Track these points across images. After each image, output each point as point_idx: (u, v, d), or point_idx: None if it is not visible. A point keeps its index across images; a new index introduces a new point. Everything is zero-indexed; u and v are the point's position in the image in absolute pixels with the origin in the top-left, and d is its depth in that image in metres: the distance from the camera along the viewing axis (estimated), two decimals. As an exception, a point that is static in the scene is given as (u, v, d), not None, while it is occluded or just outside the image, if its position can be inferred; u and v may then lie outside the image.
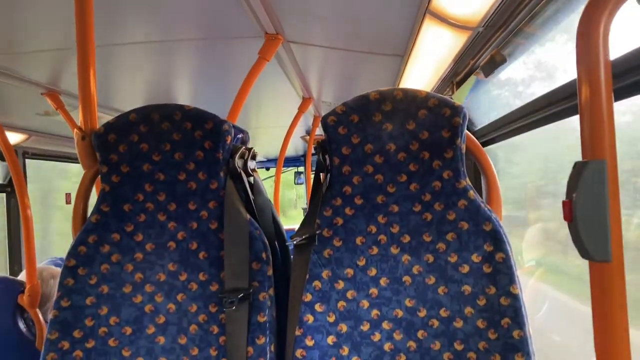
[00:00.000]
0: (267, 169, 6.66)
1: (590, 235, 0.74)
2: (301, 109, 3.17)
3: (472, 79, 1.94)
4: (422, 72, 2.14)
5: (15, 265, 3.70)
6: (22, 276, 2.74)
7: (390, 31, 1.81)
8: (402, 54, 2.00)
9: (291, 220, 7.22)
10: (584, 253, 0.75)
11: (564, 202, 0.76)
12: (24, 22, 1.65)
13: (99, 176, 1.21)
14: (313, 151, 4.25)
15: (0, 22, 1.63)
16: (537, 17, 1.32)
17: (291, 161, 6.54)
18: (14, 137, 3.24)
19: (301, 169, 6.84)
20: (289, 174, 6.92)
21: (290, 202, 7.50)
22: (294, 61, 2.25)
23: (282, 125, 3.63)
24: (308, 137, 4.36)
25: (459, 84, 2.00)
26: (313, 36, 1.97)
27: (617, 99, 0.78)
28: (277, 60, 2.15)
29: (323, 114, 3.94)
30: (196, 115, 1.17)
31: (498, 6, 1.29)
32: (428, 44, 1.75)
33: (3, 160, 3.59)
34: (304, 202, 6.92)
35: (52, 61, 2.07)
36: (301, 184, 6.90)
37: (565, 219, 0.76)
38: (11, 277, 2.94)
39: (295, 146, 5.62)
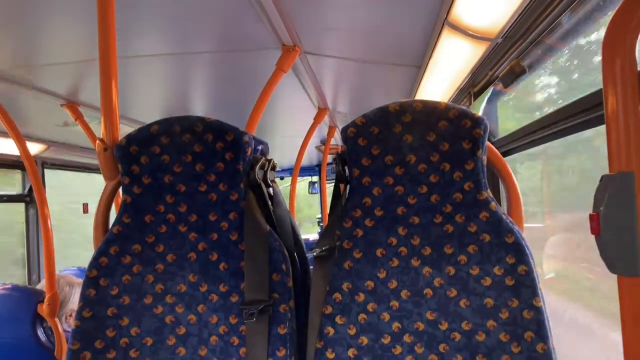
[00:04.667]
0: (282, 178, 6.68)
1: (618, 249, 0.73)
2: (317, 120, 3.17)
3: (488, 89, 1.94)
4: (439, 83, 2.14)
5: (33, 274, 3.74)
6: (40, 285, 2.77)
7: (408, 42, 1.81)
8: (419, 64, 2.00)
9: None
10: (612, 267, 0.74)
11: (591, 216, 0.75)
12: (44, 35, 1.68)
13: (121, 187, 1.22)
14: (328, 161, 4.25)
15: (20, 35, 1.66)
16: (557, 28, 1.32)
17: (305, 171, 6.55)
18: (33, 148, 3.29)
19: (315, 178, 6.85)
20: (303, 183, 6.94)
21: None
22: (311, 72, 2.26)
23: (297, 135, 3.63)
24: (323, 147, 4.36)
25: (477, 94, 1.99)
26: (330, 47, 1.98)
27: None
28: (294, 71, 2.16)
29: (338, 124, 3.92)
30: (217, 127, 1.18)
31: (517, 18, 1.29)
32: (446, 55, 1.75)
33: (23, 170, 3.66)
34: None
35: (71, 73, 2.11)
36: (315, 193, 6.92)
37: (592, 232, 0.75)
38: (30, 286, 2.97)
39: (310, 156, 5.63)
